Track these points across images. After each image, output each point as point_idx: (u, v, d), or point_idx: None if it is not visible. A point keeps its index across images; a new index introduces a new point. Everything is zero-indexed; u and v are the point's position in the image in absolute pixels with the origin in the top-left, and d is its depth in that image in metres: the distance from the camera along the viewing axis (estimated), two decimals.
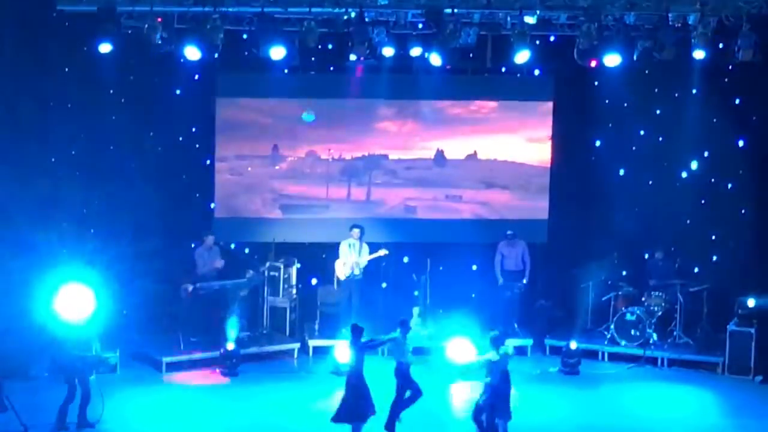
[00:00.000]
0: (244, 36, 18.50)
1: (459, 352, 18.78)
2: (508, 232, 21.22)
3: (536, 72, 21.27)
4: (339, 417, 15.57)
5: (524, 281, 21.14)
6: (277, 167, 21.72)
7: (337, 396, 15.91)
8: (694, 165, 21.51)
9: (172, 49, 17.83)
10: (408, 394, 16.14)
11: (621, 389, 18.34)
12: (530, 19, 17.77)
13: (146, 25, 17.16)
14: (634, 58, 18.20)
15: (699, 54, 17.95)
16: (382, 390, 15.90)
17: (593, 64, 18.58)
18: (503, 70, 20.68)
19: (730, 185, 21.20)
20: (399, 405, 16.02)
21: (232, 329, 19.69)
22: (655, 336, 20.10)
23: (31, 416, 16.21)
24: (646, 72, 20.34)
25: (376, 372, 15.89)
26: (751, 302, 19.53)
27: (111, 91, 20.00)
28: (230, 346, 19.32)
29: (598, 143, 22.02)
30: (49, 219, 18.62)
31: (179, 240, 20.73)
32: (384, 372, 16.22)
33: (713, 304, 20.57)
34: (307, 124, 21.56)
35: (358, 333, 15.56)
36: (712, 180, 21.38)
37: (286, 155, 21.72)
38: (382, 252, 20.70)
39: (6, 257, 17.60)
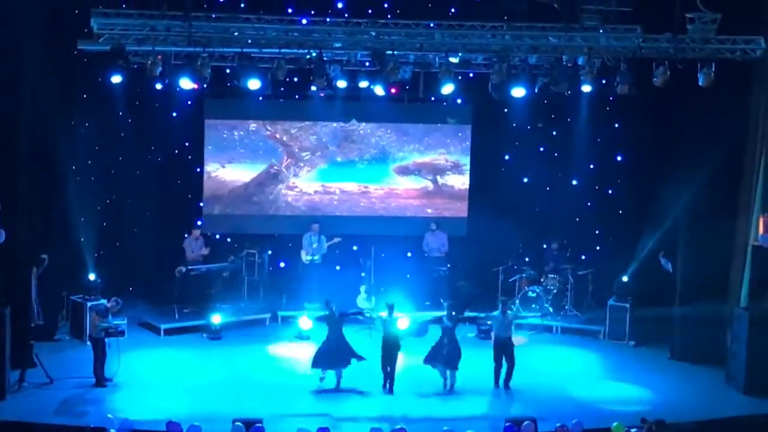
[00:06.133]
0: (228, 71, 18.73)
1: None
2: (432, 226, 21.59)
3: (458, 101, 21.38)
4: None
5: (448, 266, 21.36)
6: (253, 174, 21.64)
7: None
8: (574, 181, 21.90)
9: (169, 80, 17.66)
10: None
11: (524, 350, 18.17)
12: (454, 60, 17.64)
13: (149, 61, 16.95)
14: (536, 90, 18.28)
15: (586, 88, 17.96)
16: None
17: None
18: (432, 99, 20.59)
19: (610, 191, 21.77)
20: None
21: (217, 302, 19.92)
22: (551, 309, 20.52)
23: (56, 371, 16.53)
24: (545, 101, 20.62)
25: None
26: (624, 278, 19.96)
27: (120, 113, 20.07)
28: (215, 316, 19.53)
29: (507, 157, 22.42)
30: (71, 213, 18.61)
31: (174, 231, 20.80)
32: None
33: (597, 285, 21.11)
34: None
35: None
36: (597, 187, 21.89)
37: (260, 165, 21.64)
38: (336, 239, 21.12)
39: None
